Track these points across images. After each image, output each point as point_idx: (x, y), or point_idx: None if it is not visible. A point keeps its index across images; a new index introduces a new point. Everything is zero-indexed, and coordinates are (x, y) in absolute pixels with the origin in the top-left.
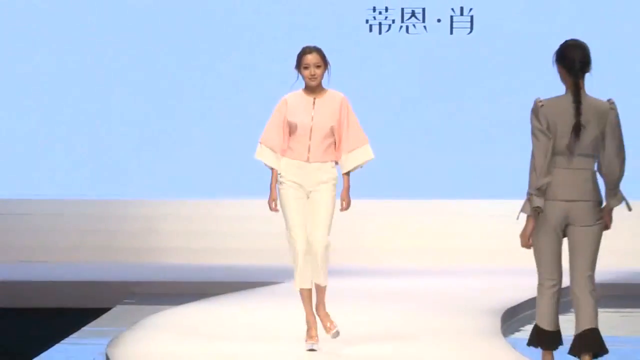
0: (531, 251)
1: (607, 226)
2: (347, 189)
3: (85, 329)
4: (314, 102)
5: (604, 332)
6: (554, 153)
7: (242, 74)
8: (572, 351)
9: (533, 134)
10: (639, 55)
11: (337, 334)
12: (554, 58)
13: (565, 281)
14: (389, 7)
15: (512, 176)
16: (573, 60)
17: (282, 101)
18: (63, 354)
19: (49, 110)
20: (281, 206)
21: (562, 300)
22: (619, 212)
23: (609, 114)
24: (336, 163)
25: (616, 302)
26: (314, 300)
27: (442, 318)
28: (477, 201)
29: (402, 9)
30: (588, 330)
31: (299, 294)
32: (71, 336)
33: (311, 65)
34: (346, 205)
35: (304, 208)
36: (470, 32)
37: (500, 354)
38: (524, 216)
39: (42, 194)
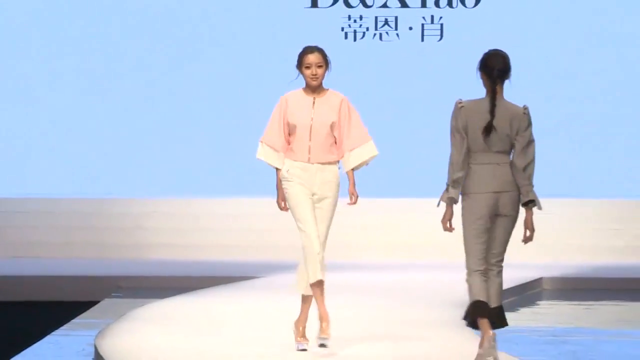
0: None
1: (527, 224)
2: (354, 184)
3: (75, 321)
4: (313, 102)
5: (569, 325)
6: (475, 150)
7: (217, 75)
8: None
9: (451, 132)
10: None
11: (324, 345)
12: (478, 65)
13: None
14: (363, 16)
15: None
16: (492, 68)
17: (281, 100)
18: (54, 345)
19: (42, 112)
20: (290, 205)
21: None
22: (581, 211)
23: (521, 118)
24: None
25: (580, 296)
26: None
27: (413, 310)
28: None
29: (376, 18)
30: (496, 307)
31: (298, 289)
32: (62, 328)
33: (313, 64)
34: (355, 199)
35: (313, 204)
36: (440, 39)
37: (468, 344)
38: (444, 205)
39: (35, 193)
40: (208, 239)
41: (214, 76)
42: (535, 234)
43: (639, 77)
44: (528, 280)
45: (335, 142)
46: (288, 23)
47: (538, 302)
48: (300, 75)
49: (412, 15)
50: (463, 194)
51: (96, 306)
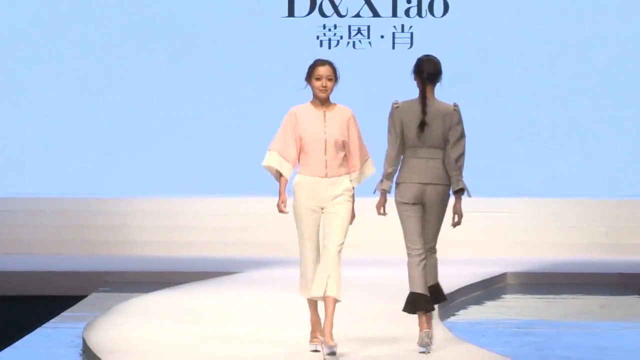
0: (472, 243)
1: (456, 210)
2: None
3: (63, 314)
4: (324, 116)
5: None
6: (410, 145)
7: (200, 80)
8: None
9: (388, 130)
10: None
11: (333, 353)
12: (412, 69)
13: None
14: (337, 25)
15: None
16: (423, 71)
17: (290, 113)
18: (45, 337)
19: (31, 114)
20: (295, 218)
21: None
22: (544, 210)
23: (452, 114)
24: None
25: (542, 290)
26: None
27: (385, 304)
28: None
29: (349, 27)
30: (434, 285)
31: (300, 294)
32: (51, 321)
33: (323, 77)
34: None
35: (317, 221)
36: (411, 47)
37: (438, 336)
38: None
39: (24, 192)
40: (191, 236)
41: (198, 80)
42: (501, 231)
43: (605, 77)
44: (493, 275)
45: (345, 156)
46: (266, 31)
47: (503, 296)
48: (308, 87)
49: (384, 25)
50: (397, 183)
51: (84, 300)
